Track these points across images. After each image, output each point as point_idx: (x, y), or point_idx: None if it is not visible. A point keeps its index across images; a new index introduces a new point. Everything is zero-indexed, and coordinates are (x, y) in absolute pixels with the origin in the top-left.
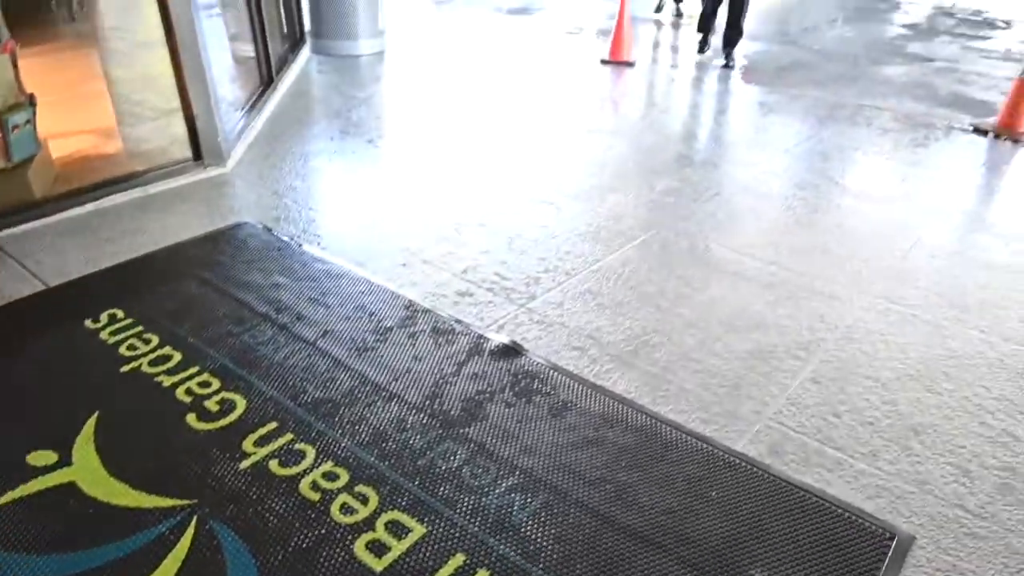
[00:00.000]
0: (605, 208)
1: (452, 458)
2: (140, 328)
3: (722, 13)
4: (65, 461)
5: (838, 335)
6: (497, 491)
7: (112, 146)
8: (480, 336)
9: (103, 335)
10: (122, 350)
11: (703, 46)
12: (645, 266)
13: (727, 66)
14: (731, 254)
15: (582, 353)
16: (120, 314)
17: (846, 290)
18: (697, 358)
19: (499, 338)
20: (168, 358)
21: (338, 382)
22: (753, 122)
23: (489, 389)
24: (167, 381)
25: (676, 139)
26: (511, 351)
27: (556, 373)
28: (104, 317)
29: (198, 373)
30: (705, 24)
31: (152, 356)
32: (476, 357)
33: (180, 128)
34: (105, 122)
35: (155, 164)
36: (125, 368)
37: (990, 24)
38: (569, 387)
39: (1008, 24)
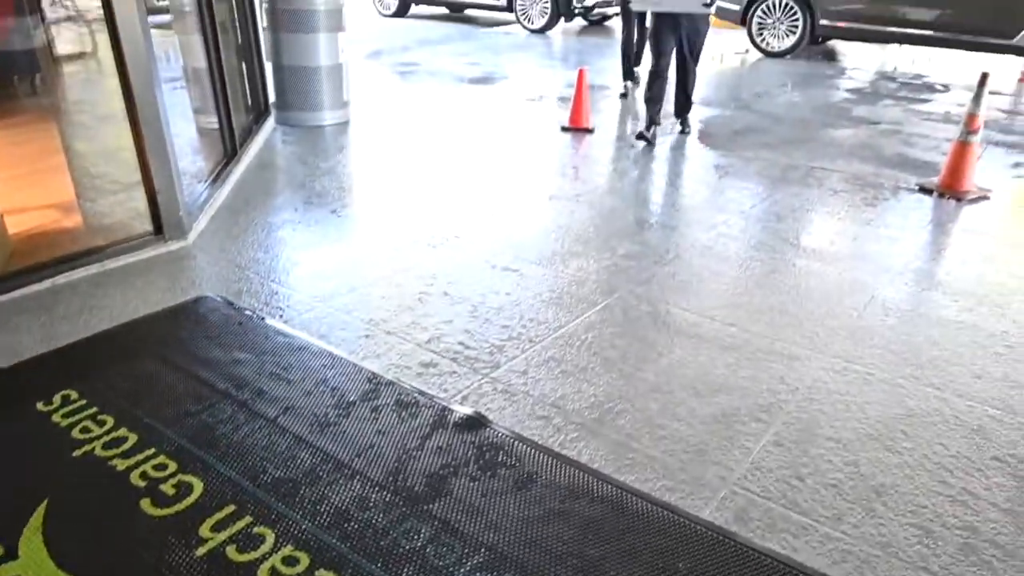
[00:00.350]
0: (568, 273)
1: (416, 537)
2: (94, 409)
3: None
4: (11, 554)
5: (799, 396)
6: (462, 570)
7: (71, 221)
8: (444, 408)
9: (55, 418)
10: (75, 433)
11: (647, 132)
12: (608, 331)
13: (683, 132)
14: (692, 316)
15: (547, 422)
16: (74, 395)
17: (805, 351)
18: (661, 424)
19: (463, 409)
20: (123, 440)
21: (299, 460)
22: (710, 185)
23: (453, 463)
24: (121, 465)
25: (636, 203)
26: (475, 422)
27: (521, 444)
28: (57, 399)
29: (154, 455)
30: (652, 110)
31: (106, 439)
32: (440, 430)
33: (141, 202)
34: (64, 196)
35: (115, 239)
36: (77, 452)
37: (930, 88)
38: (534, 458)
39: (946, 88)
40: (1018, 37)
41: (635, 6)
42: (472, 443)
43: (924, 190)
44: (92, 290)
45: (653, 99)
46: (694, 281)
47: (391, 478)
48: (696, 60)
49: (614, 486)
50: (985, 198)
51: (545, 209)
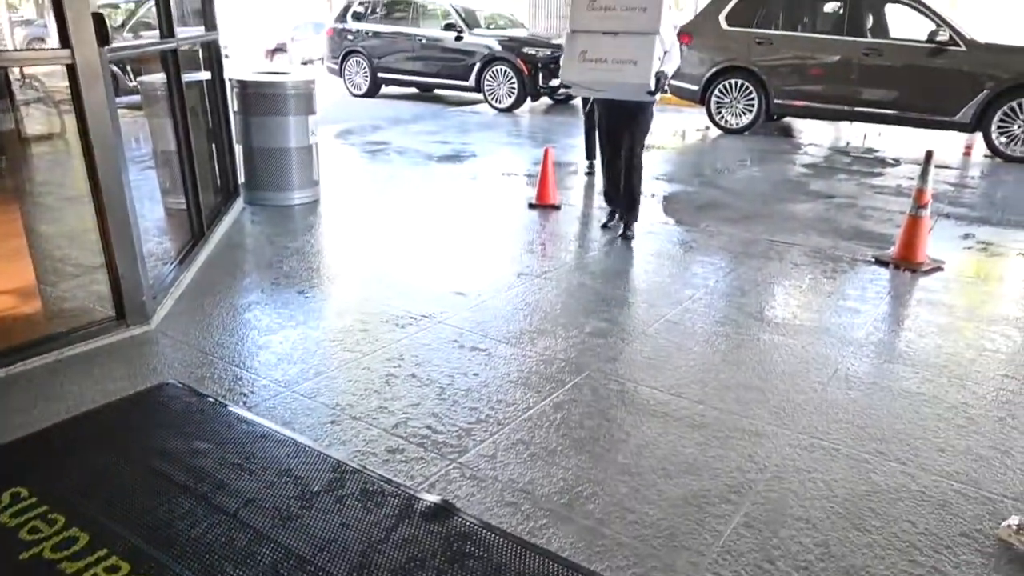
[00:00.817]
0: (535, 352)
1: None
2: (45, 508)
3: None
4: None
5: (767, 475)
6: None
7: (30, 306)
8: (411, 496)
9: (3, 518)
10: (23, 534)
11: (610, 223)
12: (577, 411)
13: (624, 236)
14: (660, 395)
15: (516, 509)
16: (24, 493)
17: (772, 427)
18: (631, 507)
19: (430, 498)
20: (74, 540)
21: (259, 558)
22: (675, 260)
23: (420, 555)
24: (70, 568)
25: (603, 279)
26: (442, 511)
27: (489, 533)
28: (6, 497)
29: (106, 556)
30: (610, 202)
31: (56, 540)
32: (406, 520)
33: (103, 286)
34: (24, 281)
35: (74, 325)
36: (24, 555)
37: (881, 162)
38: (503, 548)
39: (897, 162)
40: (959, 114)
41: (575, 92)
42: (439, 533)
43: (880, 262)
44: (48, 379)
45: (607, 192)
46: (661, 358)
47: (355, 574)
48: (640, 148)
49: None
50: (939, 269)
51: (513, 286)
